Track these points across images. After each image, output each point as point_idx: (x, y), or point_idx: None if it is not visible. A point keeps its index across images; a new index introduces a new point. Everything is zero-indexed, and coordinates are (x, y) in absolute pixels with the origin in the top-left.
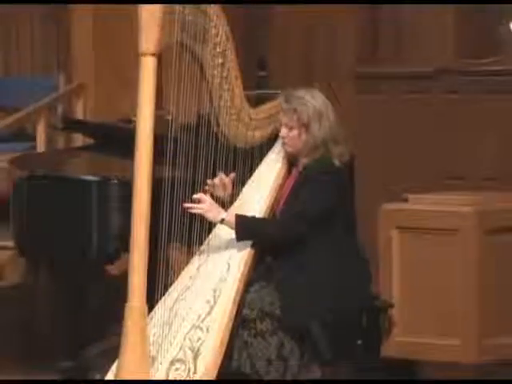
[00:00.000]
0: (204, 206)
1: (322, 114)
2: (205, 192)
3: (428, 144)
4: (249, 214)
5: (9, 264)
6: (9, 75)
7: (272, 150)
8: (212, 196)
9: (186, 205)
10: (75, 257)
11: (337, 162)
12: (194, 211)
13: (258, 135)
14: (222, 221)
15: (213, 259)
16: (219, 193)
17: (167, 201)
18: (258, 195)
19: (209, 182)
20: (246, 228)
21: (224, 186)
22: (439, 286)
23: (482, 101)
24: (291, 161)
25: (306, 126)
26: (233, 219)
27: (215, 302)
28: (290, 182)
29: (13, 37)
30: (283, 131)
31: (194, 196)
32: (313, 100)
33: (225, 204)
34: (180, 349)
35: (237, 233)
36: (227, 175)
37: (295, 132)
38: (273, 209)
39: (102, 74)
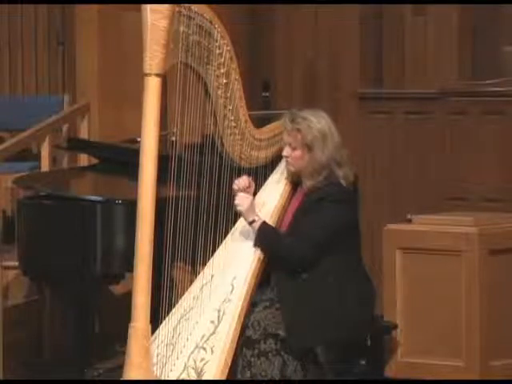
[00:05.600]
0: (247, 203)
1: (326, 136)
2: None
3: (431, 165)
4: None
5: (14, 284)
6: (14, 95)
7: (276, 169)
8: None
9: (236, 187)
10: (80, 277)
11: (343, 183)
12: (237, 203)
13: (263, 155)
14: (252, 222)
15: (217, 279)
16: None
17: (171, 221)
18: (262, 214)
19: (236, 182)
20: (264, 236)
21: (246, 189)
22: (443, 307)
23: (485, 122)
24: (295, 181)
25: (309, 147)
26: (259, 224)
27: (219, 322)
28: (294, 203)
29: (18, 57)
30: (286, 150)
31: (242, 182)
32: (317, 121)
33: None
34: (184, 369)
35: (256, 237)
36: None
37: (298, 152)
38: (277, 227)
39: (107, 94)
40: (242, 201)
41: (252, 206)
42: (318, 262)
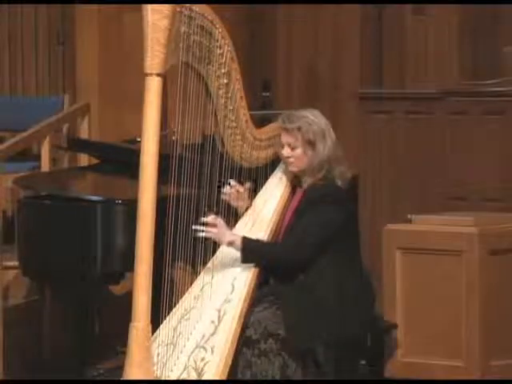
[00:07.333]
0: (215, 230)
1: (325, 132)
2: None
3: (431, 165)
4: (257, 234)
5: (14, 284)
6: (14, 95)
7: (276, 170)
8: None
9: (196, 227)
10: (80, 277)
11: (340, 183)
12: (205, 235)
13: (263, 155)
14: (231, 244)
15: (217, 279)
16: (234, 203)
17: (172, 221)
18: (262, 216)
19: (225, 191)
20: (250, 252)
21: (239, 196)
22: (443, 307)
23: (485, 122)
24: (295, 181)
25: (311, 144)
26: (239, 242)
27: (219, 322)
28: (293, 203)
29: (18, 57)
30: (286, 151)
31: (207, 220)
32: (316, 119)
33: (239, 215)
34: (184, 369)
35: (242, 256)
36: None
37: (300, 151)
38: (277, 229)
39: (107, 93)
40: (209, 230)
41: (222, 228)
42: (316, 262)
